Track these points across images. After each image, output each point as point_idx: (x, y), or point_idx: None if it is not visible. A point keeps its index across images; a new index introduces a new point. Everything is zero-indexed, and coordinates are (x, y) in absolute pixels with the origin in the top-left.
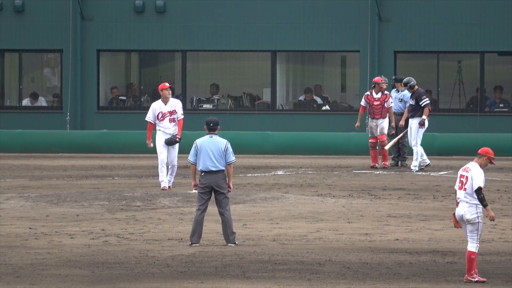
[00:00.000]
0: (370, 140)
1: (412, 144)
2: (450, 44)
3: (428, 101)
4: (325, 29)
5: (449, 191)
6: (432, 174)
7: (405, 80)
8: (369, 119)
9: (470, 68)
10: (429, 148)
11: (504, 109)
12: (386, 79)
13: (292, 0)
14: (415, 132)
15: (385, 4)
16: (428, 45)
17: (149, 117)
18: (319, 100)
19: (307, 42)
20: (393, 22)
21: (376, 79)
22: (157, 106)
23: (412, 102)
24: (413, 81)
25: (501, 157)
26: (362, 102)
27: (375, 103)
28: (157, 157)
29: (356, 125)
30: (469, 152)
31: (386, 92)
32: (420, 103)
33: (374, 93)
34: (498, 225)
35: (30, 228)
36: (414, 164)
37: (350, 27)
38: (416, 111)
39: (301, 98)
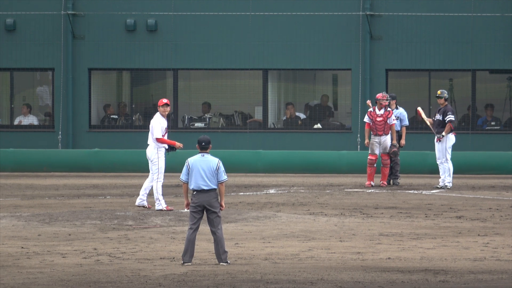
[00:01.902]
0: (369, 157)
1: (438, 162)
2: (442, 62)
3: (452, 118)
4: (317, 47)
5: (441, 209)
6: (424, 192)
7: (440, 92)
8: (372, 135)
9: (461, 86)
10: (421, 166)
11: (495, 127)
12: (388, 96)
13: (283, 19)
14: (442, 148)
15: (377, 22)
16: (419, 63)
17: (159, 133)
18: (301, 116)
19: (299, 60)
20: (384, 40)
21: (378, 95)
22: (162, 122)
23: (438, 116)
24: (446, 94)
25: (493, 175)
26: (366, 119)
27: (378, 119)
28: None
29: (365, 142)
30: (461, 170)
31: (389, 108)
32: (445, 118)
33: (377, 110)
34: (490, 244)
35: (22, 247)
36: (442, 179)
37: (341, 45)
38: (441, 126)
39: (284, 117)
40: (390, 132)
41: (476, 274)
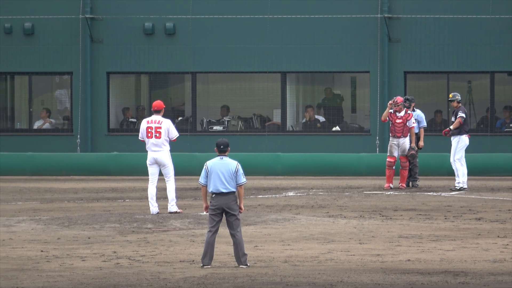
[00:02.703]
0: (388, 159)
1: (451, 161)
2: (460, 65)
3: (463, 116)
4: (335, 50)
5: (460, 211)
6: (443, 194)
7: (452, 95)
8: (390, 137)
9: (480, 88)
10: (439, 168)
11: None
12: (409, 98)
13: (301, 22)
14: (454, 149)
15: (395, 25)
16: (438, 65)
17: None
18: (321, 119)
19: (317, 63)
20: (402, 42)
21: (399, 98)
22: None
23: (453, 119)
24: (459, 96)
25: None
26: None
27: (397, 121)
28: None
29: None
30: (480, 172)
31: (409, 111)
32: (457, 116)
33: (396, 112)
34: (510, 245)
35: (42, 251)
36: (457, 181)
37: (360, 48)
38: (455, 127)
39: (303, 120)
40: (409, 134)
41: (496, 276)
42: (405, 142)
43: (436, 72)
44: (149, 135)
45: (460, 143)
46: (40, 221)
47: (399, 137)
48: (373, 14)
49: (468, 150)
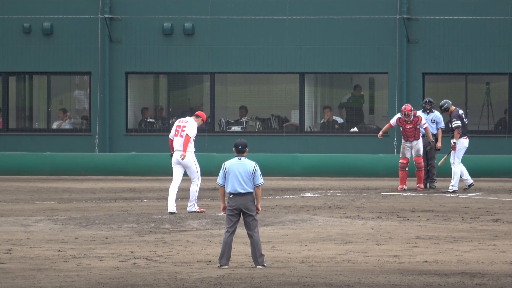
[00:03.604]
0: (400, 161)
1: (451, 163)
2: (479, 66)
3: (458, 124)
4: (353, 51)
5: (477, 213)
6: (460, 195)
7: (440, 103)
8: (403, 141)
9: (498, 90)
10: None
11: None
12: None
13: (320, 22)
14: (452, 153)
15: (413, 26)
16: (456, 66)
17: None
18: (339, 120)
19: (335, 64)
20: (421, 43)
21: (407, 107)
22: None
23: (450, 125)
24: (446, 104)
25: None
26: (392, 121)
27: (408, 126)
28: (187, 179)
29: (378, 134)
30: (498, 173)
31: (418, 114)
32: (452, 126)
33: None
34: None
35: (59, 250)
36: (452, 184)
37: (378, 48)
38: (452, 132)
39: (321, 121)
40: (421, 135)
41: (500, 277)
42: (418, 143)
43: (454, 73)
44: (176, 133)
45: (459, 146)
46: (58, 221)
47: (411, 141)
48: (391, 15)
49: (485, 152)
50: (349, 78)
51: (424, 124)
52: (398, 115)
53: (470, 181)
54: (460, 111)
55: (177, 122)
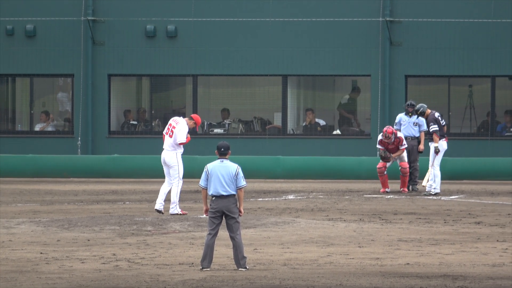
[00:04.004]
0: (378, 166)
1: (429, 165)
2: (461, 69)
3: (436, 128)
4: (336, 53)
5: (460, 215)
6: (443, 198)
7: (416, 108)
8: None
9: (481, 92)
10: (440, 172)
11: None
12: (413, 104)
13: (303, 25)
14: (432, 155)
15: (396, 28)
16: (439, 69)
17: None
18: (321, 122)
19: (318, 66)
20: (404, 46)
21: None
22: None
23: (427, 128)
24: (422, 108)
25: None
26: (378, 146)
27: (390, 146)
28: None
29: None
30: (480, 176)
31: (399, 135)
32: (430, 130)
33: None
34: (509, 249)
35: (41, 253)
36: (430, 184)
37: (361, 51)
38: (431, 135)
39: (303, 124)
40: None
41: (495, 280)
42: (403, 156)
43: (437, 76)
44: (167, 131)
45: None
46: (40, 223)
47: (395, 158)
48: (374, 18)
49: (468, 154)
50: (332, 80)
51: (404, 144)
52: (380, 136)
53: (438, 190)
54: (436, 114)
55: (171, 120)
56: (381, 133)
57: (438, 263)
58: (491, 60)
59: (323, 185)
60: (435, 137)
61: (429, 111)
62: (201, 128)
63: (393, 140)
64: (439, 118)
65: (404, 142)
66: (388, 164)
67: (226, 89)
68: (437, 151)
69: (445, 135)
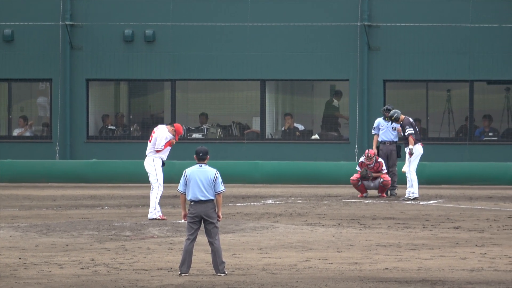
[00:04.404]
0: (351, 178)
1: (406, 171)
2: (440, 73)
3: (411, 131)
4: (315, 58)
5: (438, 220)
6: (421, 203)
7: (390, 114)
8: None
9: (459, 97)
10: (419, 177)
11: (493, 138)
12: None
13: (281, 29)
14: (407, 160)
15: (375, 33)
16: (417, 74)
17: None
18: (300, 127)
19: (296, 71)
20: (382, 51)
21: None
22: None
23: (403, 132)
24: (396, 114)
25: (490, 186)
26: (358, 168)
27: (370, 169)
28: (148, 187)
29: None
30: (459, 181)
31: (379, 160)
32: (405, 133)
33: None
34: (488, 254)
35: (20, 258)
36: (409, 190)
37: (339, 56)
38: (405, 140)
39: (282, 128)
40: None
41: (474, 285)
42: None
43: (415, 80)
44: (150, 138)
45: (414, 153)
46: (18, 228)
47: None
48: (353, 22)
49: (446, 159)
50: (310, 85)
51: (384, 170)
52: (362, 159)
53: (417, 194)
54: (411, 119)
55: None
56: (363, 156)
57: (417, 268)
58: (469, 64)
59: (301, 190)
60: (410, 139)
61: (403, 116)
62: None
63: (373, 164)
64: (413, 123)
65: (384, 167)
66: (366, 183)
67: (205, 94)
68: (411, 153)
69: (420, 140)
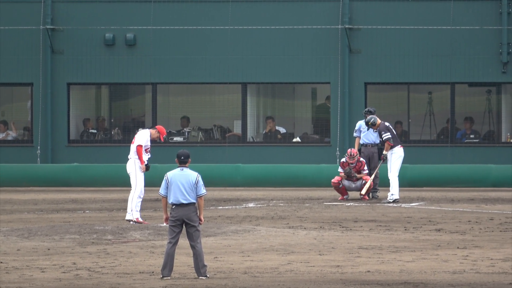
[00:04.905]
0: (332, 181)
1: (389, 175)
2: (421, 75)
3: (388, 136)
4: (296, 61)
5: (420, 222)
6: (403, 205)
7: (366, 120)
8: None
9: (440, 99)
10: (400, 179)
11: (474, 140)
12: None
13: (262, 33)
14: (390, 162)
15: (356, 36)
16: (398, 76)
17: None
18: (282, 130)
19: (278, 74)
20: (363, 53)
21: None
22: (148, 139)
23: (380, 139)
24: (372, 119)
25: (472, 188)
26: (340, 169)
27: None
28: (129, 190)
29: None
30: (441, 183)
31: (361, 159)
32: (382, 138)
33: (349, 161)
34: (469, 256)
35: (1, 262)
36: (391, 193)
37: (320, 59)
38: (383, 144)
39: (263, 132)
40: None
41: (456, 287)
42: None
43: (396, 83)
44: (132, 140)
45: (394, 156)
46: (0, 232)
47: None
48: (334, 25)
49: (427, 161)
50: (292, 88)
51: (365, 170)
52: (343, 159)
53: (397, 196)
54: (387, 123)
55: None
56: (345, 155)
57: (399, 270)
58: (450, 67)
59: (283, 193)
60: (387, 145)
61: (379, 121)
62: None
63: (355, 164)
64: (390, 126)
65: (365, 167)
66: (347, 184)
67: (186, 97)
68: (384, 159)
69: (400, 143)
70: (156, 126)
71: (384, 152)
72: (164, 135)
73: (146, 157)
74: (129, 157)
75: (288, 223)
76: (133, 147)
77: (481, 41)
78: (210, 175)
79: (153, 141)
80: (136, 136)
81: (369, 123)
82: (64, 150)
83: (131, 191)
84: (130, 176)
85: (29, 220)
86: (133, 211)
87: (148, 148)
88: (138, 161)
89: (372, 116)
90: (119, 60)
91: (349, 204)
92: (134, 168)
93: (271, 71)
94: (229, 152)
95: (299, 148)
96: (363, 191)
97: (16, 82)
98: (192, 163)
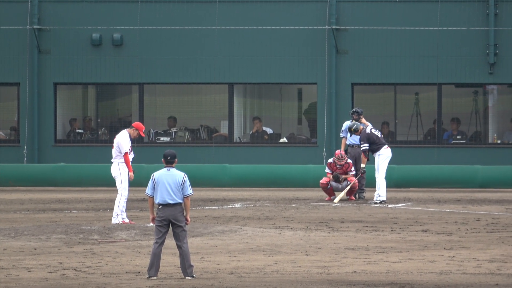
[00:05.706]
0: (321, 182)
1: (376, 176)
2: (407, 76)
3: (366, 147)
4: (282, 61)
5: (407, 223)
6: (390, 206)
7: (348, 126)
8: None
9: (427, 100)
10: (387, 180)
11: (461, 141)
12: (358, 111)
13: (249, 33)
14: (377, 163)
15: (342, 36)
16: (385, 77)
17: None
18: (269, 131)
19: (264, 74)
20: (350, 54)
21: (336, 152)
22: (129, 140)
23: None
24: (355, 125)
25: (458, 189)
26: (327, 170)
27: (338, 170)
28: (116, 190)
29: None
30: (427, 184)
31: (349, 160)
32: (361, 148)
33: (337, 162)
34: (456, 257)
35: None
36: (378, 193)
37: (307, 59)
38: (375, 145)
39: (250, 132)
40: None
41: None
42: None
43: (383, 83)
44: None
45: (381, 157)
46: None
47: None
48: (320, 26)
49: (414, 162)
50: (278, 88)
51: (352, 171)
52: (330, 160)
53: (384, 198)
54: (368, 129)
55: None
56: (332, 157)
57: (385, 271)
58: (437, 68)
59: (270, 193)
60: (362, 157)
61: (361, 127)
62: (147, 137)
63: (343, 164)
64: (372, 130)
65: (353, 168)
66: (334, 185)
67: (172, 97)
68: (363, 172)
69: (386, 144)
70: (133, 124)
71: (362, 165)
72: (143, 129)
73: (130, 157)
74: (112, 160)
75: (274, 224)
76: (114, 151)
77: (468, 42)
78: (197, 175)
79: (135, 139)
80: (115, 141)
81: (352, 129)
82: (50, 150)
83: (117, 195)
84: (116, 180)
85: (15, 220)
86: (118, 216)
87: (130, 149)
88: (123, 165)
89: (355, 122)
90: (106, 60)
91: (335, 204)
92: (119, 172)
93: (258, 72)
94: (216, 152)
95: (286, 148)
96: (344, 195)
97: (3, 82)
98: (179, 163)
